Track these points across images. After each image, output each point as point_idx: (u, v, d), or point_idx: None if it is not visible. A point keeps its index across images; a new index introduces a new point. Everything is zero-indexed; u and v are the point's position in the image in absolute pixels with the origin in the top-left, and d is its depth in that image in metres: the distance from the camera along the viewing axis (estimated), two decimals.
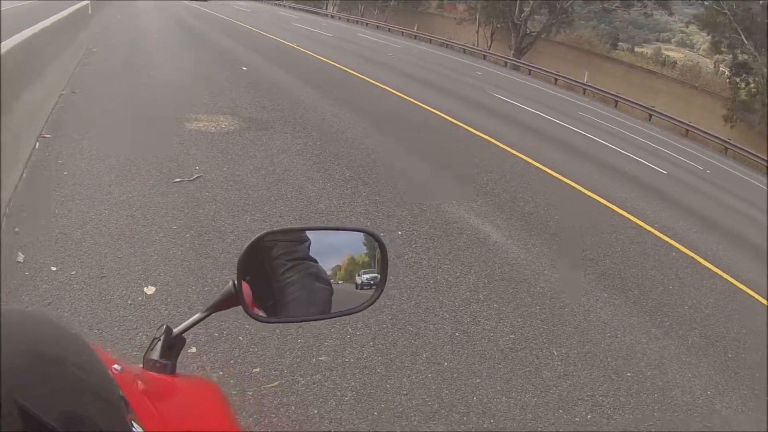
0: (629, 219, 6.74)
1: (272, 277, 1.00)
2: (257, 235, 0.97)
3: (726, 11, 25.06)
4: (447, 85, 13.98)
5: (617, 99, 25.89)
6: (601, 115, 19.50)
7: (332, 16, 39.70)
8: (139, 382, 0.80)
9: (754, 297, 5.60)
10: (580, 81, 26.82)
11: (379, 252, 1.08)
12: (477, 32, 32.60)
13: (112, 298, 2.94)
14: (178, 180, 4.59)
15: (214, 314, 0.99)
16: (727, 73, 28.95)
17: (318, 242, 1.07)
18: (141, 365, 0.94)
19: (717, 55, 29.28)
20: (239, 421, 2.41)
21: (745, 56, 26.71)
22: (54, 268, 3.08)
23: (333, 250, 1.10)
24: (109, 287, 3.03)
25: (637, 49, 35.39)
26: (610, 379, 3.37)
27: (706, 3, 27.89)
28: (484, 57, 29.41)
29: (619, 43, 38.59)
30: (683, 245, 6.37)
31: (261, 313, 1.00)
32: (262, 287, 1.00)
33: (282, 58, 12.54)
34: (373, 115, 8.82)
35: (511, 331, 3.59)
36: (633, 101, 25.43)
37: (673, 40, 52.93)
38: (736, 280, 5.86)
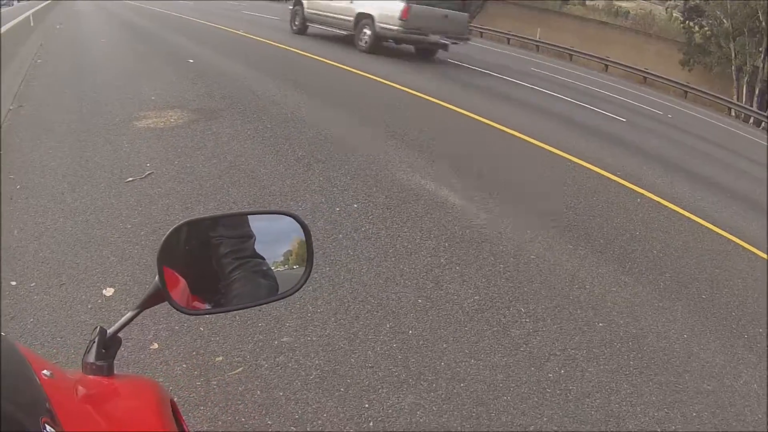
0: (591, 169, 6.73)
1: (219, 273, 1.04)
2: (168, 231, 0.99)
3: None
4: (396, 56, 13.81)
5: (571, 53, 26.01)
6: (555, 70, 19.55)
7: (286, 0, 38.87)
8: (79, 387, 0.82)
9: (724, 236, 5.61)
10: (533, 38, 26.86)
11: (303, 233, 1.10)
12: None
13: (72, 304, 2.89)
14: (130, 179, 4.49)
15: (146, 310, 1.01)
16: (680, 18, 29.29)
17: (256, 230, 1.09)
18: (80, 369, 0.95)
19: (669, 1, 29.54)
20: (205, 412, 2.35)
21: (697, 0, 27.00)
22: (14, 283, 3.01)
23: (271, 237, 1.12)
24: (69, 294, 2.98)
25: (588, 2, 35.48)
26: (581, 332, 3.33)
27: None
28: None
29: None
30: (648, 190, 6.38)
31: (206, 306, 1.05)
32: (204, 281, 1.04)
33: (229, 47, 12.26)
34: (321, 91, 8.66)
35: (475, 293, 3.54)
36: (587, 53, 25.58)
37: None
38: (705, 220, 5.88)
